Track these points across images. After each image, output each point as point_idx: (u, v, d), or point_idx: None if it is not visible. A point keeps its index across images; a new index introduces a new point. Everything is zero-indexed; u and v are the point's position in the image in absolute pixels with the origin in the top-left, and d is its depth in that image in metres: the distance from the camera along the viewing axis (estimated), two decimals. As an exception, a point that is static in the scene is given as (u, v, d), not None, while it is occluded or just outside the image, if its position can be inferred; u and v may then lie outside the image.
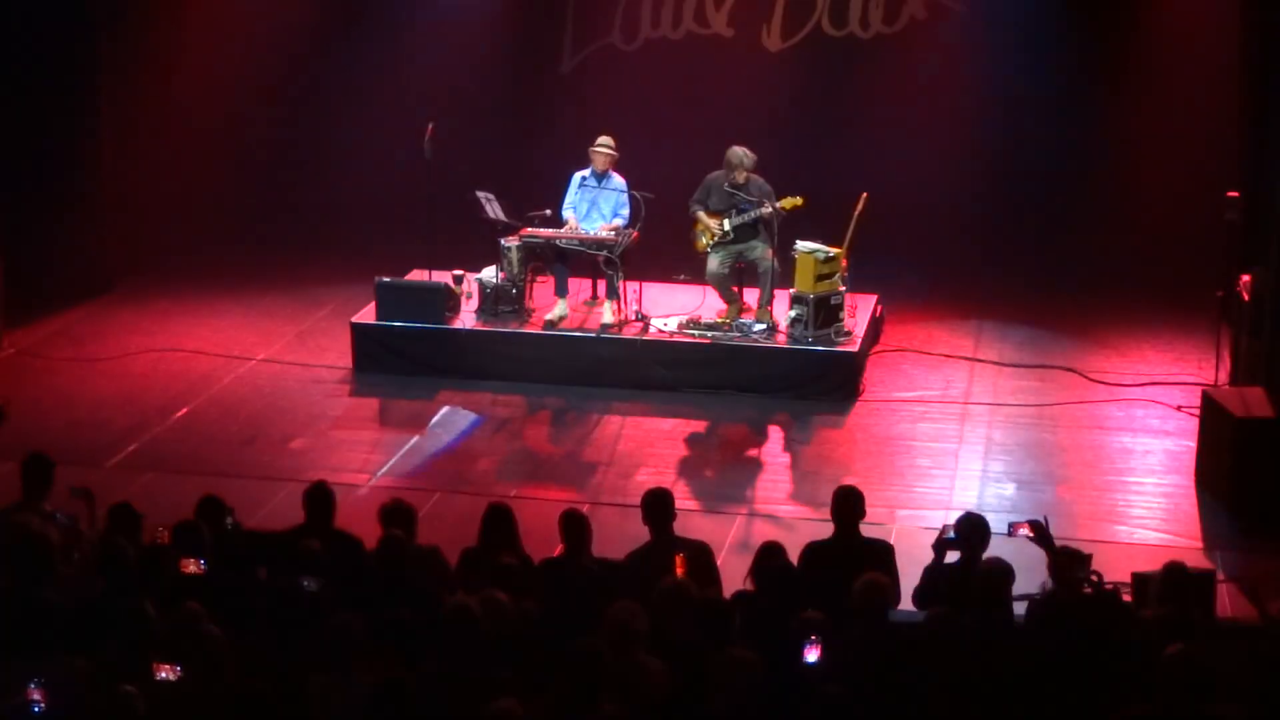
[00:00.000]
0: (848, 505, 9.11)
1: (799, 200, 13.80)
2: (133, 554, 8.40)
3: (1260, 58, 13.85)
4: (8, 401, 9.91)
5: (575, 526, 8.92)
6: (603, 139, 14.27)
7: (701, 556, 8.97)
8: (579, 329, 14.23)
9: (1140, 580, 8.99)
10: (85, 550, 8.94)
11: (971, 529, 8.79)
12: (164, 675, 7.24)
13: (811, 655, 7.36)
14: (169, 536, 8.72)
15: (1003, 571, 8.19)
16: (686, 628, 7.64)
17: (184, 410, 13.52)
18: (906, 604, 8.74)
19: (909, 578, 8.90)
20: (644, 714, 7.01)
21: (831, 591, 8.13)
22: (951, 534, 8.84)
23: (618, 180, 14.29)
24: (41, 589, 8.05)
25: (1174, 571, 8.30)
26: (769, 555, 8.58)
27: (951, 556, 8.82)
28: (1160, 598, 8.22)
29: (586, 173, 14.32)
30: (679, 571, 8.40)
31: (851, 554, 8.85)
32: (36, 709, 6.97)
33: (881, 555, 8.95)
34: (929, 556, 8.92)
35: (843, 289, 13.93)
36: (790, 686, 7.29)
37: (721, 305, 14.23)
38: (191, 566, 8.37)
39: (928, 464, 12.47)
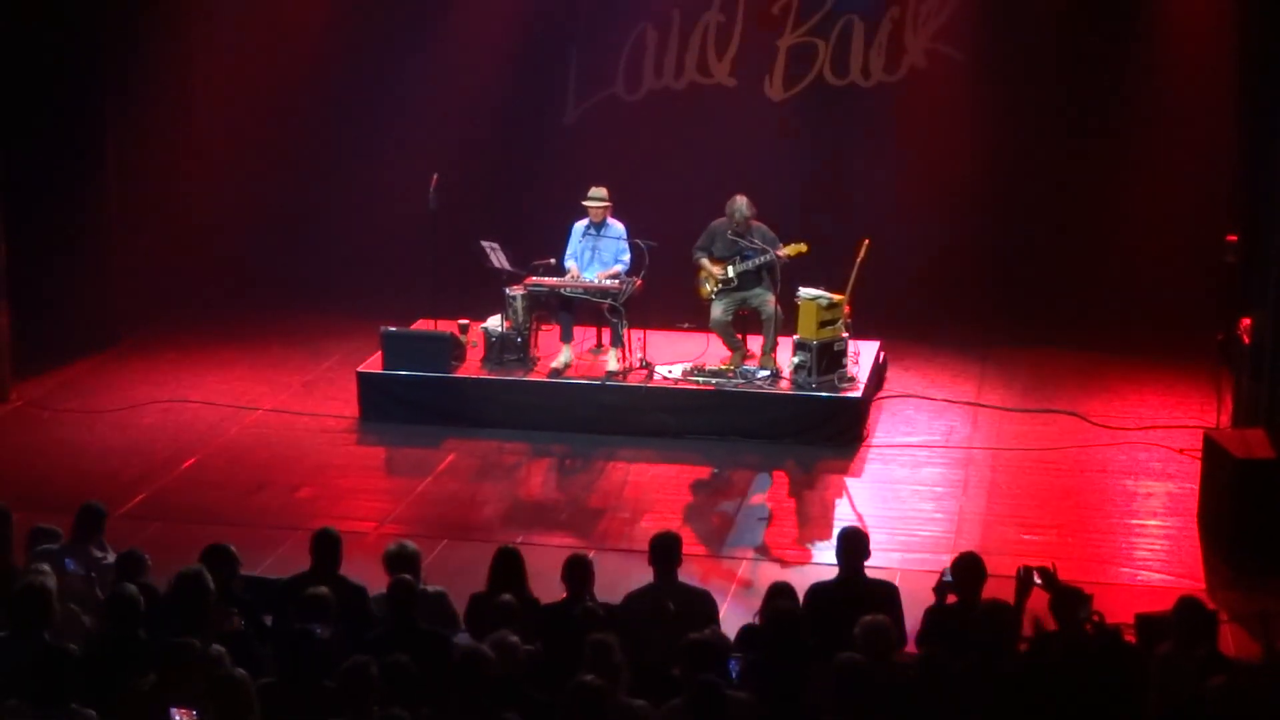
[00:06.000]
0: (852, 546, 9.14)
1: (803, 246, 13.88)
2: (139, 600, 8.45)
3: (1255, 102, 13.95)
4: None
5: (578, 570, 8.96)
6: (594, 191, 14.35)
7: (701, 604, 8.99)
8: (584, 377, 14.30)
9: (1144, 621, 9.02)
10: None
11: (966, 570, 8.81)
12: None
13: None
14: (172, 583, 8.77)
15: (1004, 610, 8.15)
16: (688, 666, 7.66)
17: (191, 460, 13.58)
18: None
19: (915, 621, 8.92)
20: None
21: (835, 633, 8.15)
22: (949, 576, 8.87)
23: (617, 227, 14.38)
24: (44, 636, 8.11)
25: (1188, 607, 8.23)
26: (778, 595, 8.62)
27: (953, 599, 8.85)
28: (1176, 634, 8.14)
29: (585, 223, 14.44)
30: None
31: (856, 595, 8.87)
32: None
33: (886, 596, 8.97)
34: (932, 599, 8.96)
35: (846, 335, 14.01)
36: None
37: (725, 352, 14.30)
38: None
39: (931, 508, 12.52)
